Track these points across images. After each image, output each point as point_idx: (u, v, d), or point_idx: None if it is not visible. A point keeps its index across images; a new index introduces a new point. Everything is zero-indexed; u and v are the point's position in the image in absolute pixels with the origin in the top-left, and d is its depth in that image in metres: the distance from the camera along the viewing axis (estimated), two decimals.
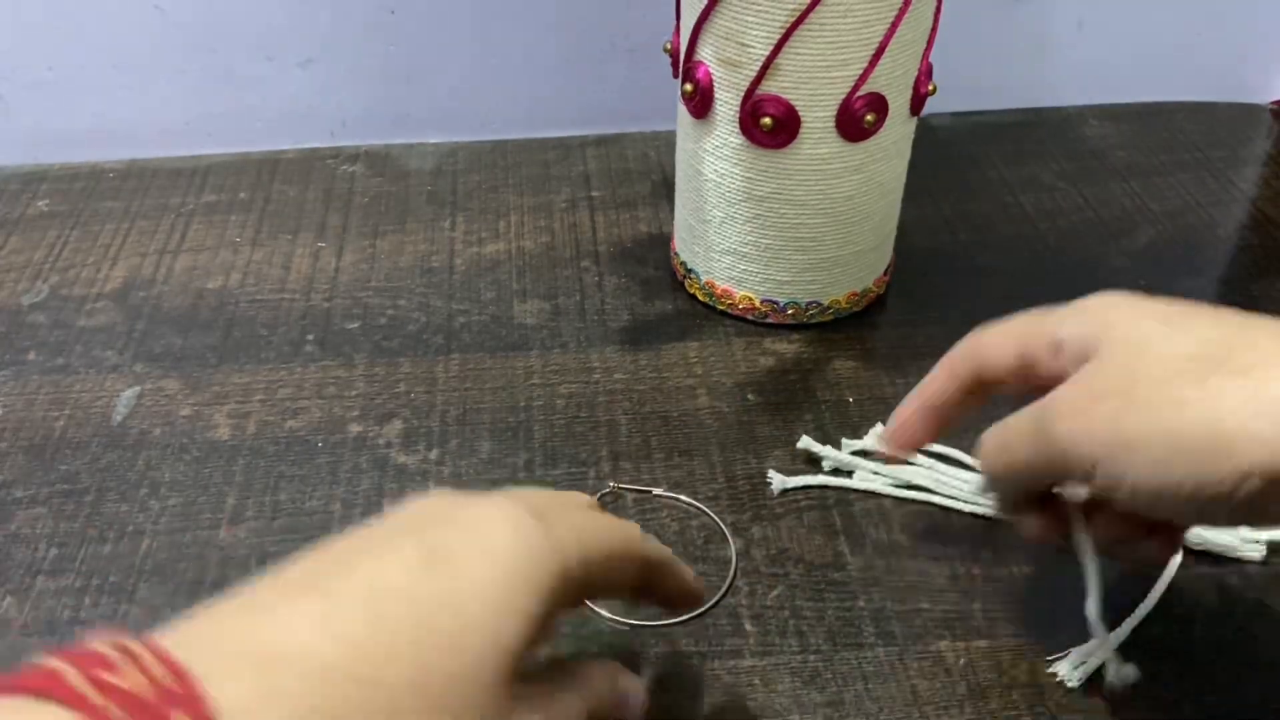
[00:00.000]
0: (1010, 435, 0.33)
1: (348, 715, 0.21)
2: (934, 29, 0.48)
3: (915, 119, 0.51)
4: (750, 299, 0.53)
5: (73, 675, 0.19)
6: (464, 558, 0.25)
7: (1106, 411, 0.29)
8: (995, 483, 0.35)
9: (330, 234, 0.61)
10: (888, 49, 0.45)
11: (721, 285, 0.54)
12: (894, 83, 0.47)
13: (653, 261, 0.59)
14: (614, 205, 0.64)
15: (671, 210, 0.58)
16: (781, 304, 0.53)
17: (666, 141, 0.67)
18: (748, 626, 0.40)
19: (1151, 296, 0.32)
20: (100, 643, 0.21)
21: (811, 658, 0.39)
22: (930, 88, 0.50)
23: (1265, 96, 0.75)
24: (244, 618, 0.23)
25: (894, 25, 0.45)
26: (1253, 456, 0.27)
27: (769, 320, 0.54)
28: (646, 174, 0.67)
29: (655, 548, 0.33)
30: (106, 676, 0.19)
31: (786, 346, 0.53)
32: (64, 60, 0.66)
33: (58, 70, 0.67)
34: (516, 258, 0.60)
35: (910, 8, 0.45)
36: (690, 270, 0.55)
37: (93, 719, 0.19)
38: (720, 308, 0.55)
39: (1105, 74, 0.73)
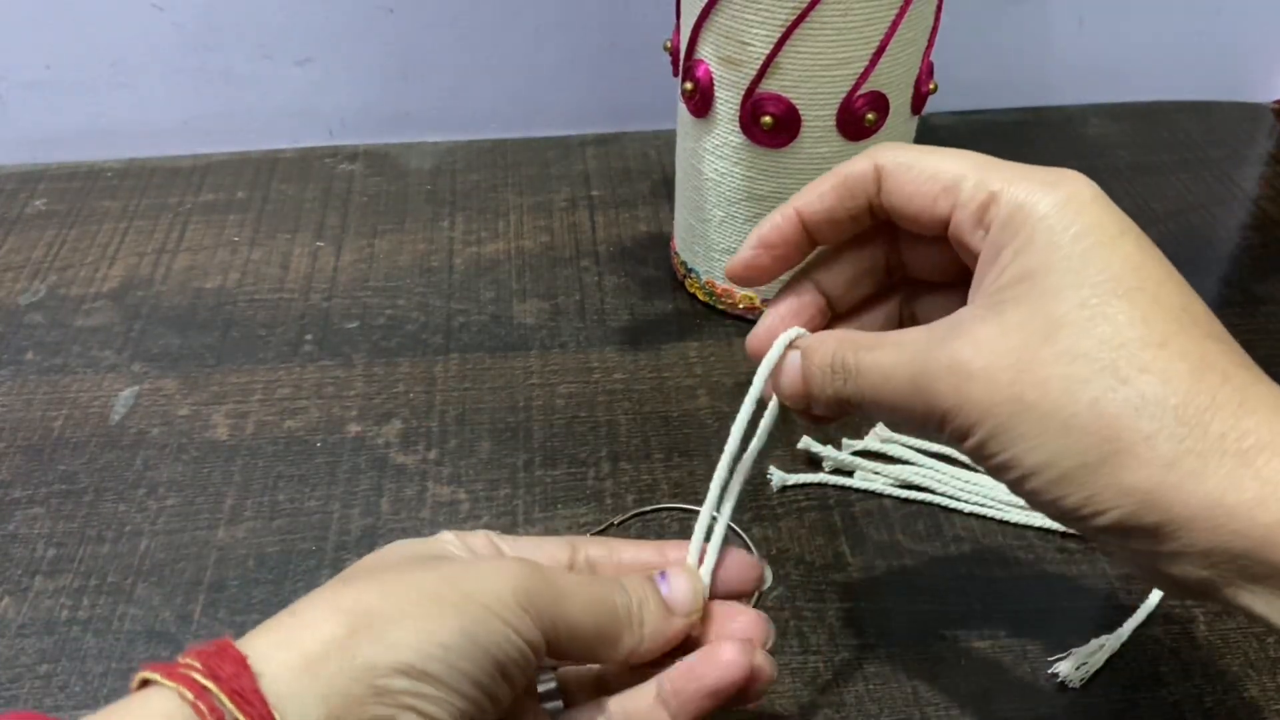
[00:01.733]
0: (885, 363, 0.28)
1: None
2: (935, 27, 0.48)
3: (916, 118, 0.51)
4: (750, 298, 0.53)
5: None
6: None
7: (1005, 382, 0.26)
8: (835, 399, 0.30)
9: (329, 233, 0.61)
10: (889, 47, 0.45)
11: (722, 285, 0.54)
12: (895, 81, 0.47)
13: (653, 261, 0.59)
14: (613, 204, 0.64)
15: (671, 209, 0.58)
16: None
17: (666, 141, 0.67)
18: None
19: (1122, 214, 0.27)
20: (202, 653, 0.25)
21: (812, 658, 0.39)
22: (931, 86, 0.50)
23: (1267, 96, 0.75)
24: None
25: (895, 24, 0.45)
26: (1140, 476, 0.24)
27: None
28: (646, 173, 0.67)
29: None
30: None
31: None
32: (62, 59, 0.66)
33: (55, 69, 0.66)
34: (516, 257, 0.59)
35: (911, 6, 0.45)
36: (690, 270, 0.55)
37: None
38: (720, 307, 0.54)
39: (1106, 73, 0.73)
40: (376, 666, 0.25)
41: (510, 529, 0.43)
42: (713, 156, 0.50)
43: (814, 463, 0.46)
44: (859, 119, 0.47)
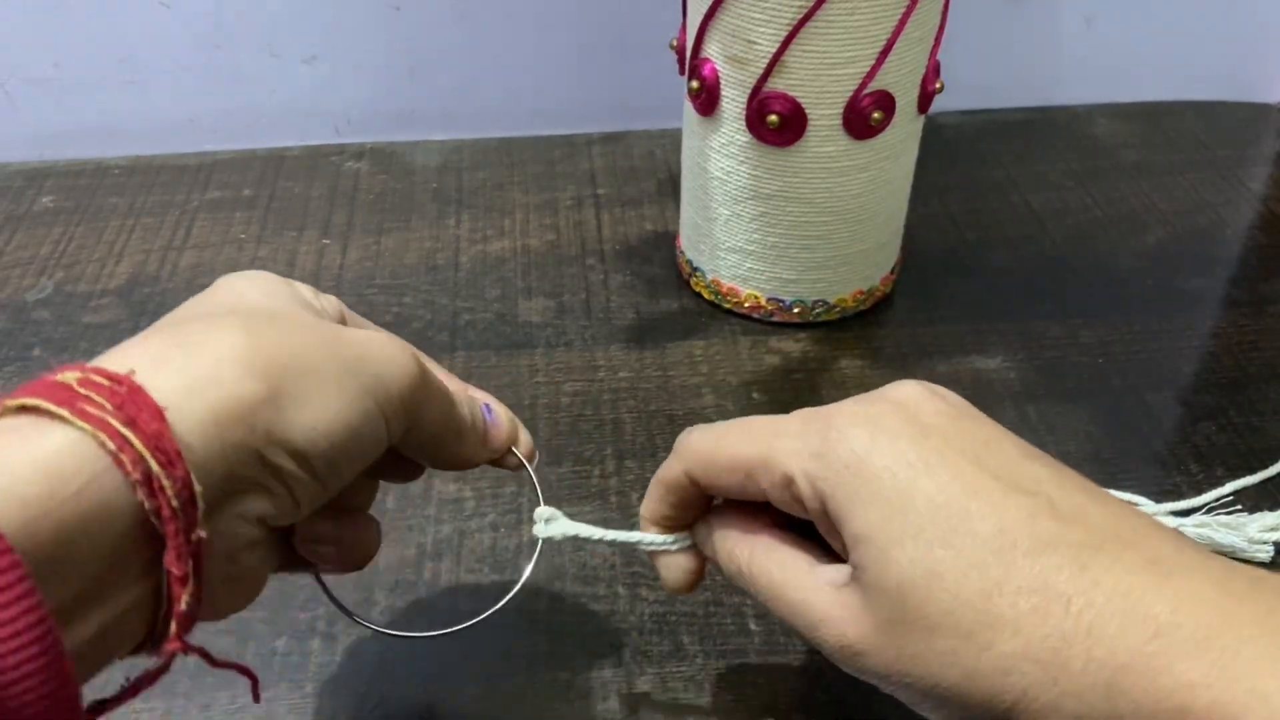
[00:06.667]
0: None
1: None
2: (941, 26, 0.48)
3: (923, 117, 0.51)
4: (756, 297, 0.53)
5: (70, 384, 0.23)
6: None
7: (911, 649, 0.29)
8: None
9: (335, 231, 0.61)
10: (895, 46, 0.45)
11: (727, 283, 0.54)
12: (901, 80, 0.47)
13: (658, 259, 0.59)
14: (620, 203, 0.64)
15: (677, 208, 0.58)
16: (787, 302, 0.53)
17: (673, 139, 0.67)
18: (752, 626, 0.40)
19: (909, 443, 0.28)
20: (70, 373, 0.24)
21: (817, 657, 0.39)
22: (938, 85, 0.50)
23: (1274, 96, 0.74)
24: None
25: (901, 22, 0.45)
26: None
27: (775, 319, 0.54)
28: (652, 171, 0.67)
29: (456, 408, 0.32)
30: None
31: (793, 345, 0.53)
32: (69, 56, 0.66)
33: (63, 67, 0.67)
34: (522, 255, 0.59)
35: (918, 5, 0.45)
36: (696, 268, 0.55)
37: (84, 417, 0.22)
38: (726, 306, 0.54)
39: (1114, 72, 0.73)
40: (274, 442, 0.25)
41: (515, 526, 0.43)
42: (719, 155, 0.50)
43: None
44: (865, 118, 0.47)
